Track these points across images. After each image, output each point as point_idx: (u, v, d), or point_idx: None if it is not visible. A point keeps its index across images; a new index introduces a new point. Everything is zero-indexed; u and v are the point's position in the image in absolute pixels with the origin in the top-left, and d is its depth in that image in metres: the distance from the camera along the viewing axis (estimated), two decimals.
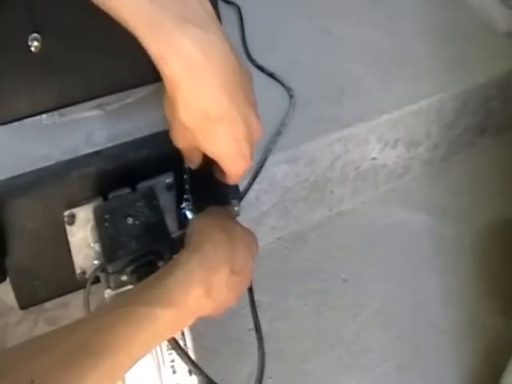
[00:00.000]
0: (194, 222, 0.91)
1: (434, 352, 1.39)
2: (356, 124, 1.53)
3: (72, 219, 0.97)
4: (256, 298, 1.47)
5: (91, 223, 0.97)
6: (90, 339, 0.70)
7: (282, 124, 1.47)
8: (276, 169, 1.45)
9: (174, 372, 0.94)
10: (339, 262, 1.54)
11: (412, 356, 1.39)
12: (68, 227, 0.97)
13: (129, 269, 0.90)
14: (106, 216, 0.93)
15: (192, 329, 1.41)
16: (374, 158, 1.61)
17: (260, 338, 1.08)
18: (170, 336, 0.83)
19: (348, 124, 1.53)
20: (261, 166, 1.40)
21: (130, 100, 1.09)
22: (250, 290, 1.09)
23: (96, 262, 0.98)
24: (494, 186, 1.68)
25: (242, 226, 0.94)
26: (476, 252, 1.55)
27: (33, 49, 0.83)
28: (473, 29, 1.79)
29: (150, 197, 0.95)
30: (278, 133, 1.45)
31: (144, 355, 0.76)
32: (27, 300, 1.02)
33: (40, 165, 0.99)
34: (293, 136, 1.46)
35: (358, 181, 1.62)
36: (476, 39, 1.75)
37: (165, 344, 0.91)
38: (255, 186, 1.41)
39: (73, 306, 1.35)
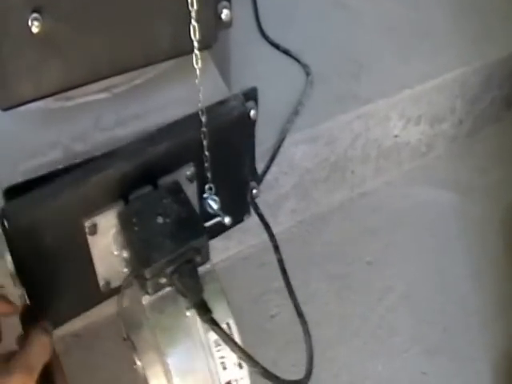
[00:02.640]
0: None
1: (462, 334, 1.37)
2: (376, 100, 1.51)
3: (94, 229, 0.92)
4: (277, 284, 1.47)
5: (114, 230, 0.94)
6: None
7: (299, 103, 1.45)
8: (294, 149, 1.43)
9: (225, 368, 0.92)
10: (363, 244, 1.52)
11: (440, 339, 1.37)
12: (90, 238, 0.93)
13: (168, 270, 0.86)
14: (134, 219, 0.89)
15: None
16: (396, 136, 1.59)
17: (304, 323, 1.06)
18: None
19: (368, 101, 1.51)
20: (278, 147, 1.38)
21: (138, 81, 1.07)
22: (284, 272, 1.07)
23: (125, 269, 0.96)
24: None
25: None
26: (504, 230, 1.53)
27: (33, 29, 0.82)
28: None
29: (176, 191, 0.91)
30: (295, 112, 1.43)
31: None
32: (51, 322, 0.98)
33: (48, 152, 0.98)
34: (311, 115, 1.44)
35: (381, 159, 1.60)
36: (501, 9, 1.73)
37: (212, 341, 0.90)
38: (273, 168, 1.39)
39: None
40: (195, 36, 0.91)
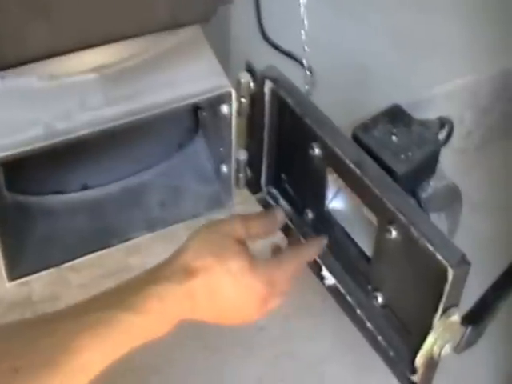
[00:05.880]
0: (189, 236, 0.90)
1: (467, 355, 1.33)
2: (381, 106, 1.48)
3: None
4: None
5: None
6: (67, 338, 0.73)
7: None
8: None
9: None
10: None
11: (444, 358, 1.33)
12: None
13: None
14: None
15: (198, 326, 1.38)
16: None
17: None
18: (146, 337, 0.80)
19: (372, 107, 1.48)
20: None
21: (129, 63, 1.06)
22: None
23: None
24: None
25: (250, 267, 0.86)
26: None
27: None
28: None
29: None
30: None
31: (119, 353, 0.77)
32: None
33: (27, 129, 0.95)
34: None
35: None
36: None
37: None
38: None
39: (64, 300, 1.33)
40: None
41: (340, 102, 1.46)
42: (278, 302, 0.91)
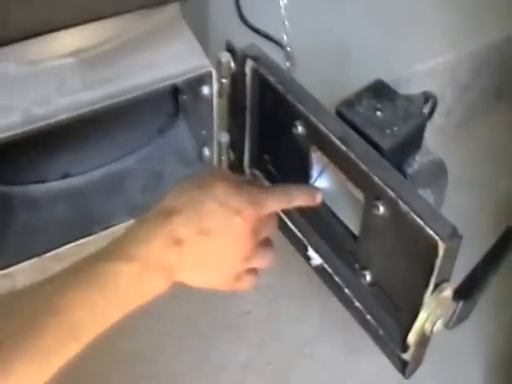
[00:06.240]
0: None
1: (455, 332, 1.32)
2: (362, 85, 1.47)
3: None
4: None
5: None
6: (52, 299, 0.69)
7: None
8: None
9: None
10: None
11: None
12: None
13: None
14: None
15: (184, 312, 1.36)
16: None
17: None
18: (136, 296, 0.75)
19: (353, 87, 1.46)
20: None
21: (108, 46, 1.05)
22: None
23: None
24: None
25: (234, 191, 0.81)
26: (497, 226, 1.48)
27: None
28: None
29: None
30: None
31: (110, 316, 0.73)
32: None
33: (4, 115, 0.93)
34: None
35: None
36: None
37: None
38: None
39: None
40: None
41: (321, 83, 1.44)
42: (267, 253, 0.86)
